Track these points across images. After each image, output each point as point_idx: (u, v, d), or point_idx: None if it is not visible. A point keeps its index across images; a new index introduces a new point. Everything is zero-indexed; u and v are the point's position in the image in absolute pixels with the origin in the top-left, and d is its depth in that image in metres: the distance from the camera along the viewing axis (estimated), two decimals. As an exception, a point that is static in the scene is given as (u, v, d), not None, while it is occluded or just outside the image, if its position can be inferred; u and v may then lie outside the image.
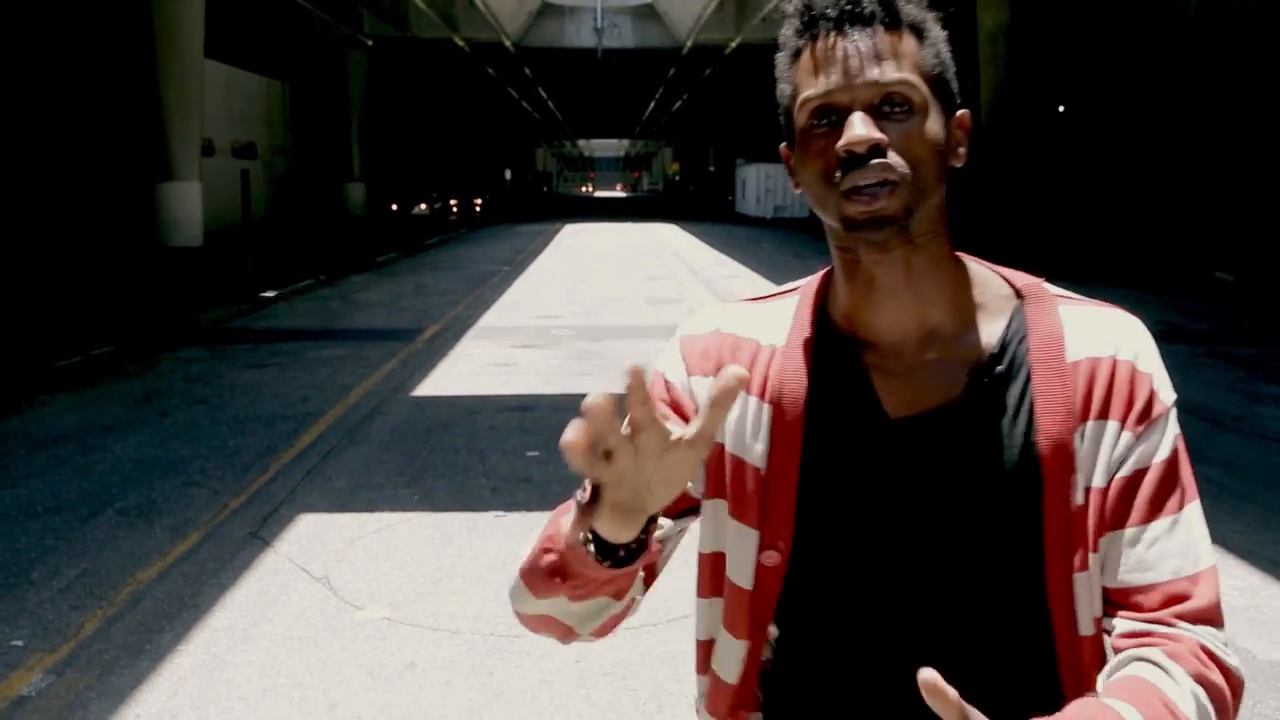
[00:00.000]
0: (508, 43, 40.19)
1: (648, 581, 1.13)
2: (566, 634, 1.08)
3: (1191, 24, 21.23)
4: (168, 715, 3.58)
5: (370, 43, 39.52)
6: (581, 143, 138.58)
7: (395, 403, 8.61)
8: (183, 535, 5.35)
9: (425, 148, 61.01)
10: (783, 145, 1.11)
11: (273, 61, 37.36)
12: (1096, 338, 1.05)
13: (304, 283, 18.09)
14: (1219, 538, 3.43)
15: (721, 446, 1.13)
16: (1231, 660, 0.97)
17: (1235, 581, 4.64)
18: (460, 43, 39.50)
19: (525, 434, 7.50)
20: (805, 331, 1.12)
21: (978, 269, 1.12)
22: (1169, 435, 1.03)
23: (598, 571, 0.95)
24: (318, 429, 7.63)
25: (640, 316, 14.35)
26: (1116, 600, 1.03)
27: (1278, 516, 5.63)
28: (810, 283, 1.17)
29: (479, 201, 56.81)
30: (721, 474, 1.14)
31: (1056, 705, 0.93)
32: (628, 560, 0.96)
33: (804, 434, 1.09)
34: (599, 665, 3.92)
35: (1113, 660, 0.99)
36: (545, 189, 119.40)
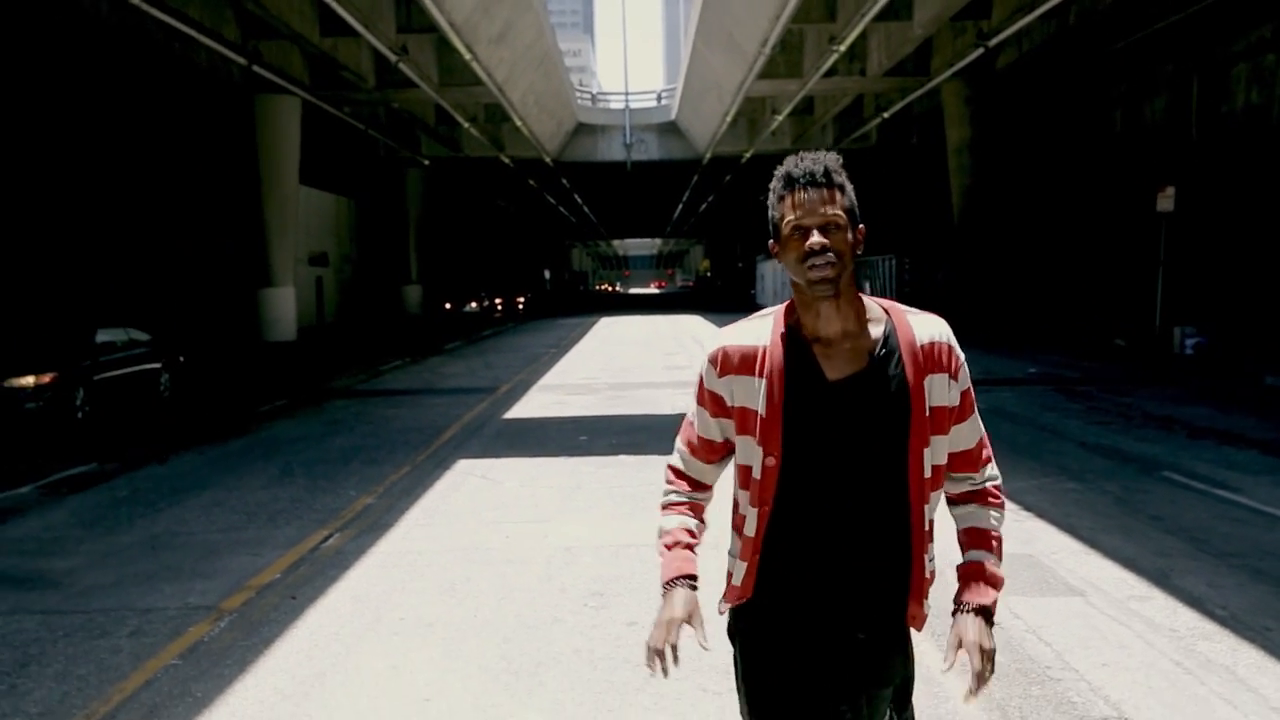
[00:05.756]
0: (547, 159, 45.06)
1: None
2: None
3: (1117, 137, 25.63)
4: (424, 520, 8.17)
5: (427, 162, 44.51)
6: (616, 242, 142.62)
7: (493, 421, 13.36)
8: (399, 468, 10.05)
9: (473, 252, 66.31)
10: (771, 242, 2.20)
11: (341, 180, 41.75)
12: (929, 331, 2.16)
13: (396, 363, 23.08)
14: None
15: (733, 407, 2.21)
16: (998, 480, 2.31)
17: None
18: (506, 160, 44.29)
19: (577, 431, 12.19)
20: (780, 336, 2.16)
21: (868, 301, 2.19)
22: (966, 375, 2.21)
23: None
24: (451, 432, 12.38)
25: (657, 377, 19.13)
26: (951, 458, 2.21)
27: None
28: (779, 309, 2.23)
29: (521, 299, 61.94)
30: (742, 421, 2.19)
31: (907, 522, 2.13)
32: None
33: (784, 394, 2.12)
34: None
35: (957, 510, 2.31)
36: (581, 287, 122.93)
